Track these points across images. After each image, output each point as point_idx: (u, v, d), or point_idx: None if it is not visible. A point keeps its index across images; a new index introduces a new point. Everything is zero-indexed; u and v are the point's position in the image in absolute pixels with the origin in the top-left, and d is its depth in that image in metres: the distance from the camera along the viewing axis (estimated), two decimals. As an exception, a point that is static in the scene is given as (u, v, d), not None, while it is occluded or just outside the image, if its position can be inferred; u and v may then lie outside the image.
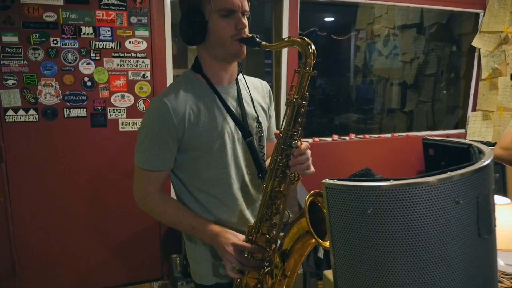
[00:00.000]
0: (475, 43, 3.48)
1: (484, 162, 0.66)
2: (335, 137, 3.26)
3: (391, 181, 0.62)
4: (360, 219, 0.65)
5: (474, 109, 3.65)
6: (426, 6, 3.36)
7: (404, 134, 3.52)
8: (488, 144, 3.20)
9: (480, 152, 0.73)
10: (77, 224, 2.63)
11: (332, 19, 4.10)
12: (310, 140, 3.18)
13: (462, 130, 3.71)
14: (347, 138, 3.30)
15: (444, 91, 4.06)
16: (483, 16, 3.46)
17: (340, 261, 0.70)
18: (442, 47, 3.91)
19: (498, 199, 1.55)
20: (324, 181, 0.68)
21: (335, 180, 0.67)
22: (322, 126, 4.12)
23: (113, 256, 2.75)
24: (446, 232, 0.63)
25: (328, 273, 2.05)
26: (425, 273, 0.64)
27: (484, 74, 3.49)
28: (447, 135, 3.63)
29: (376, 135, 3.40)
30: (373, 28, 3.83)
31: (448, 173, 0.62)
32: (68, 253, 2.63)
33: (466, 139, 3.51)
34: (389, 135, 3.45)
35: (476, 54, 3.55)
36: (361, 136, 3.35)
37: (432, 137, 0.87)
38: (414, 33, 3.83)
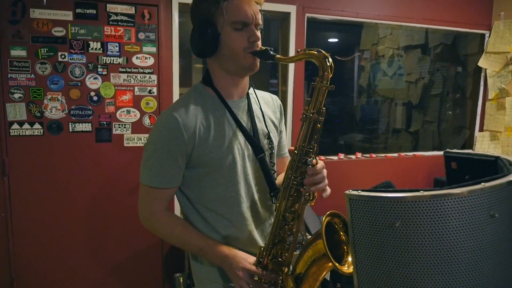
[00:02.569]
0: (481, 63, 3.48)
1: (517, 174, 0.63)
2: (341, 155, 3.23)
3: (421, 192, 0.59)
4: (387, 233, 0.61)
5: (481, 130, 3.62)
6: (431, 27, 3.38)
7: (411, 153, 3.48)
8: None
9: (511, 164, 0.69)
10: (78, 242, 2.57)
11: (336, 40, 4.13)
12: (316, 158, 3.14)
13: (470, 151, 3.66)
14: (353, 157, 3.26)
15: (450, 112, 4.04)
16: (489, 37, 3.47)
17: (364, 280, 0.65)
18: (448, 68, 3.92)
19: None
20: (347, 192, 0.65)
21: (359, 191, 0.64)
22: (326, 146, 4.09)
23: (114, 276, 2.67)
24: (481, 247, 0.58)
25: (337, 295, 1.98)
26: (457, 293, 0.59)
27: (491, 94, 3.48)
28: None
29: (383, 155, 3.37)
30: (377, 48, 3.85)
31: (482, 184, 0.58)
32: (68, 271, 2.56)
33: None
34: (395, 154, 3.42)
35: (482, 74, 3.55)
36: (367, 155, 3.31)
37: (455, 150, 0.83)
38: (419, 54, 3.85)
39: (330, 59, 1.02)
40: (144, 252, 2.71)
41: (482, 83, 3.57)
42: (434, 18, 3.31)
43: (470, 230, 0.58)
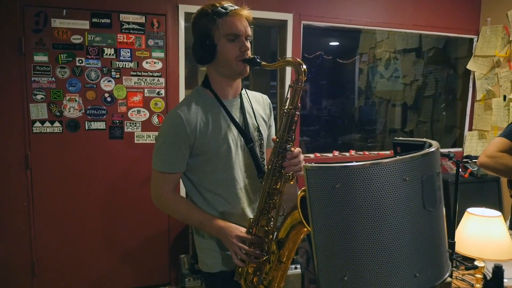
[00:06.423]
0: (470, 66, 3.68)
1: (428, 150, 0.85)
2: (336, 153, 3.44)
3: (354, 162, 0.81)
4: (331, 192, 0.83)
5: (470, 129, 3.81)
6: (424, 32, 3.60)
7: (403, 151, 3.68)
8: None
9: (431, 145, 0.92)
10: (92, 230, 2.82)
11: (337, 43, 4.34)
12: (311, 155, 3.36)
13: (460, 149, 3.86)
14: (347, 154, 3.48)
15: (443, 112, 4.23)
16: (477, 41, 3.67)
17: (318, 228, 0.88)
18: (440, 70, 4.11)
19: (491, 212, 1.73)
20: (304, 165, 0.87)
21: (312, 164, 0.87)
22: (326, 145, 4.30)
23: (124, 261, 2.92)
24: (396, 203, 0.81)
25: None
26: (381, 236, 0.82)
27: (479, 96, 3.67)
28: (448, 152, 3.76)
29: (375, 152, 3.58)
30: (375, 52, 4.06)
31: (397, 156, 0.81)
32: (83, 256, 2.82)
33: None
34: (388, 152, 3.62)
35: (471, 76, 3.75)
36: (361, 152, 3.52)
37: (400, 138, 1.06)
38: (413, 57, 4.05)
39: (304, 66, 1.24)
40: (152, 241, 2.95)
41: (471, 85, 3.77)
42: (425, 24, 3.52)
43: (388, 190, 0.80)
